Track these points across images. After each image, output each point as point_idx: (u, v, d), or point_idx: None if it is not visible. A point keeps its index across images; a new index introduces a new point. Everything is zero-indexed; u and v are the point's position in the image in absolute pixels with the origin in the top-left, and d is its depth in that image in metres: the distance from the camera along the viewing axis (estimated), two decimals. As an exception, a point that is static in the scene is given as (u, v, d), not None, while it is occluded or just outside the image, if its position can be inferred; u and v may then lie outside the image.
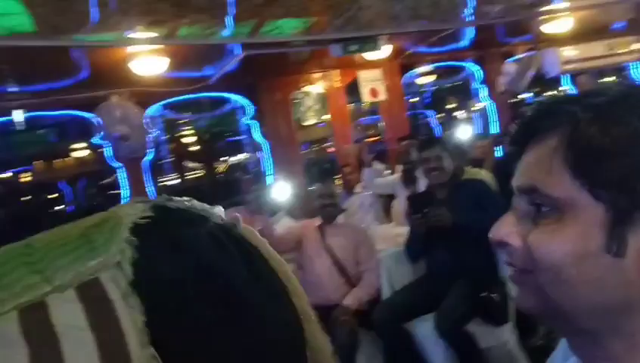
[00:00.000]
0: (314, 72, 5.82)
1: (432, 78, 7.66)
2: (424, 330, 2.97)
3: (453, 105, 10.67)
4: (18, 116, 4.15)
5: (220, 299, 0.37)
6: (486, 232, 0.59)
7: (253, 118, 5.65)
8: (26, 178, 9.83)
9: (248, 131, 5.78)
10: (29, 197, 10.36)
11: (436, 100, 9.27)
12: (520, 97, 8.88)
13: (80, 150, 8.96)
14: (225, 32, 4.14)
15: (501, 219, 0.58)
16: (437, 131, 8.68)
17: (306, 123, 5.99)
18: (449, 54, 6.63)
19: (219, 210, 0.44)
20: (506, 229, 0.56)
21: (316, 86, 5.90)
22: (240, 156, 8.62)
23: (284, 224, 3.75)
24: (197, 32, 3.98)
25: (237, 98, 5.54)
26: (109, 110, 4.44)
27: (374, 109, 7.48)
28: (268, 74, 5.42)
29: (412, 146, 4.95)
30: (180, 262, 0.37)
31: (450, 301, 2.85)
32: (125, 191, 4.85)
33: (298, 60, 5.33)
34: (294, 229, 3.55)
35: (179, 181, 9.68)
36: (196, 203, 0.43)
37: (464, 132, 5.77)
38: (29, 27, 3.24)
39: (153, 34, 3.78)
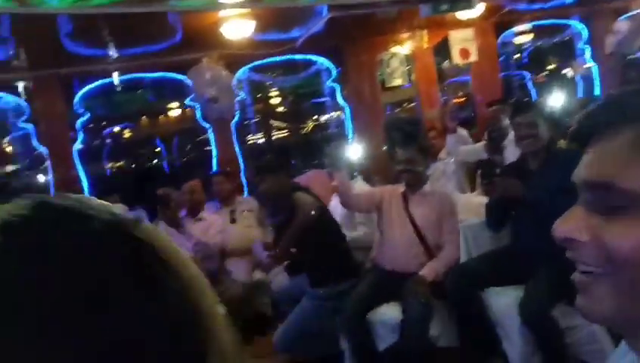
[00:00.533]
0: (401, 33, 5.64)
1: (530, 37, 7.13)
2: (501, 304, 2.90)
3: (553, 67, 9.89)
4: (117, 77, 4.47)
5: (75, 306, 0.35)
6: None
7: (336, 80, 5.62)
8: (129, 133, 10.61)
9: (332, 93, 5.78)
10: (134, 151, 11.18)
11: (535, 61, 8.63)
12: (631, 57, 8.04)
13: (175, 110, 9.47)
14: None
15: (565, 214, 0.55)
16: (534, 94, 8.14)
17: (390, 85, 5.86)
18: (551, 10, 6.12)
19: (119, 207, 0.41)
20: (573, 224, 0.54)
21: (403, 47, 5.73)
22: (324, 118, 8.65)
23: (359, 188, 3.77)
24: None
25: (322, 60, 5.53)
26: (200, 72, 4.62)
27: (465, 68, 7.14)
28: (353, 35, 5.33)
29: (501, 112, 4.70)
30: (35, 265, 0.35)
31: (537, 285, 2.72)
32: (214, 151, 5.09)
33: (385, 20, 5.18)
34: (375, 191, 3.55)
35: (265, 140, 9.95)
36: (91, 200, 0.40)
37: (562, 97, 5.36)
38: (128, -6, 3.42)
39: (241, -2, 3.84)
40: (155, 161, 11.19)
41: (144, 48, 4.33)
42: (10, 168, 7.96)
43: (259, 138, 9.64)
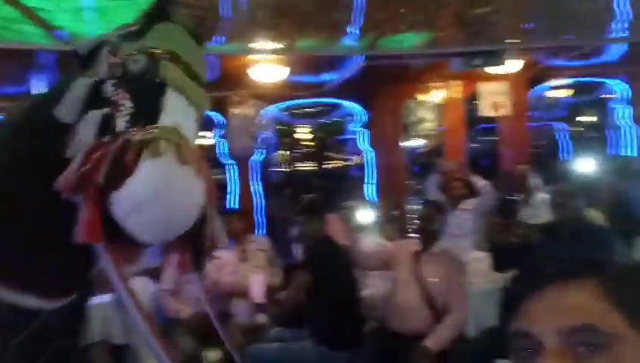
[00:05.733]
0: (433, 82, 5.65)
1: (565, 93, 7.00)
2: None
3: (586, 124, 9.61)
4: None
5: None
6: None
7: (363, 124, 5.67)
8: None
9: (357, 136, 5.80)
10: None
11: (568, 117, 8.44)
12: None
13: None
14: (345, 44, 4.19)
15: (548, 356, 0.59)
16: (565, 149, 7.95)
17: (416, 133, 5.85)
18: (590, 68, 6.02)
19: None
20: None
21: (433, 96, 5.73)
22: (346, 161, 8.62)
23: (371, 242, 3.71)
24: (317, 45, 4.09)
25: (350, 104, 5.60)
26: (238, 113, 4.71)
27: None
28: (385, 82, 5.36)
29: (529, 171, 4.63)
30: None
31: None
32: (233, 187, 5.17)
33: (417, 69, 5.23)
34: (386, 248, 3.51)
35: (288, 177, 9.86)
36: None
37: (596, 161, 5.17)
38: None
39: (275, 45, 3.96)
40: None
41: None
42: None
43: (282, 172, 9.57)
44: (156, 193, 0.94)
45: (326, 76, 4.97)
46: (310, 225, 3.33)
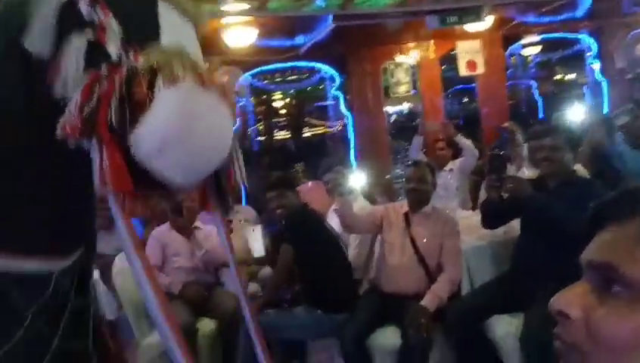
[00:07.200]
0: (407, 43, 5.54)
1: (539, 49, 7.01)
2: (501, 330, 2.82)
3: (561, 80, 9.73)
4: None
5: None
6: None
7: (340, 88, 5.54)
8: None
9: (336, 101, 5.68)
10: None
11: (543, 74, 8.51)
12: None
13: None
14: (317, 4, 4.02)
15: (568, 288, 0.59)
16: (540, 105, 8.03)
17: (394, 95, 5.76)
18: (562, 24, 6.02)
19: None
20: (570, 299, 0.57)
21: (409, 57, 5.63)
22: (326, 127, 8.49)
23: (359, 205, 3.64)
24: (288, 4, 3.90)
25: (326, 68, 5.44)
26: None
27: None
28: (359, 44, 5.25)
29: (514, 127, 4.57)
30: None
31: (538, 312, 2.62)
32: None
33: (391, 30, 5.10)
34: (376, 211, 3.44)
35: (267, 146, 9.71)
36: None
37: (575, 114, 5.17)
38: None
39: (244, 6, 3.75)
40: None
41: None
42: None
43: (260, 142, 9.40)
44: (183, 128, 0.78)
45: (299, 39, 4.78)
46: (282, 199, 3.28)
